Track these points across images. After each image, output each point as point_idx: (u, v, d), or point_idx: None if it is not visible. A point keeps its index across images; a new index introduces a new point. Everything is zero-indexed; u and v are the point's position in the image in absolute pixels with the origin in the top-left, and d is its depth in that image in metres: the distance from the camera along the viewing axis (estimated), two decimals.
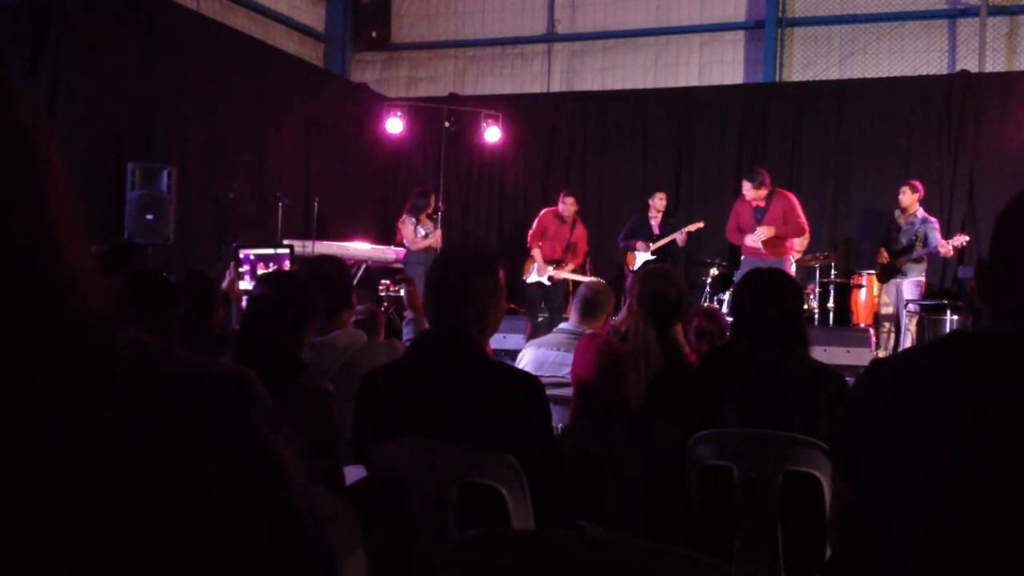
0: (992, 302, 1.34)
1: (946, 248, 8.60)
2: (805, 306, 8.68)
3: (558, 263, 9.56)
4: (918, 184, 9.04)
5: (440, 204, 10.33)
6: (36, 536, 0.74)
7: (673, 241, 9.69)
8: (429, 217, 9.52)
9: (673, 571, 1.50)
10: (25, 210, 0.80)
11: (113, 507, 0.76)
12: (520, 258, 9.99)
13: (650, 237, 9.81)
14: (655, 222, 9.88)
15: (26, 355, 0.77)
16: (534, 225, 9.79)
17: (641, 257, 9.70)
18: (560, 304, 9.52)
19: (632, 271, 9.66)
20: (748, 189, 8.56)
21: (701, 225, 9.94)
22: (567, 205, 9.58)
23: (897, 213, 9.07)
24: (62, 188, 0.84)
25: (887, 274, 9.09)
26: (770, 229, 8.35)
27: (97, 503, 0.76)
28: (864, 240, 10.32)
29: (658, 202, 9.94)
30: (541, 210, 10.06)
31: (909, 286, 8.92)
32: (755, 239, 8.44)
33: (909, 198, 8.91)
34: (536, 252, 9.59)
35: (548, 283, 9.51)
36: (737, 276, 8.70)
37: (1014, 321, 1.29)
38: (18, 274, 0.78)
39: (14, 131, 0.81)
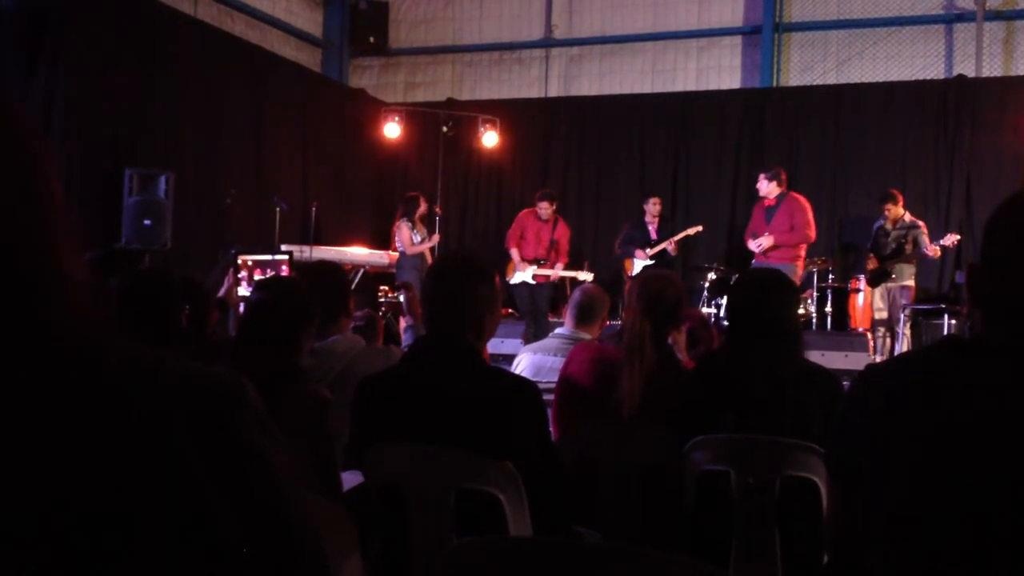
0: (984, 307, 1.34)
1: (933, 251, 8.64)
2: (801, 309, 8.78)
3: (541, 262, 9.54)
4: (898, 193, 9.07)
5: (437, 209, 10.32)
6: (33, 536, 0.74)
7: (665, 250, 9.68)
8: (423, 221, 9.50)
9: None
10: (19, 220, 0.80)
11: (108, 508, 0.76)
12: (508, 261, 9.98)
13: (647, 243, 9.79)
14: (652, 227, 9.86)
15: (16, 361, 0.77)
16: (512, 226, 9.78)
17: (639, 263, 9.70)
18: (545, 308, 9.50)
19: (630, 277, 9.68)
20: (762, 182, 8.68)
21: (700, 229, 9.95)
22: (543, 209, 9.56)
23: (883, 220, 9.09)
24: (57, 201, 0.85)
25: (877, 279, 9.11)
26: (770, 239, 8.45)
27: (93, 505, 0.76)
28: (861, 245, 10.31)
29: (652, 207, 9.91)
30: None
31: (899, 291, 8.94)
32: (755, 246, 8.52)
33: (895, 211, 8.94)
34: (513, 252, 9.58)
35: (533, 281, 9.48)
36: None
37: (1006, 326, 1.29)
38: (10, 282, 0.78)
39: (10, 146, 0.81)
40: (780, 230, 8.48)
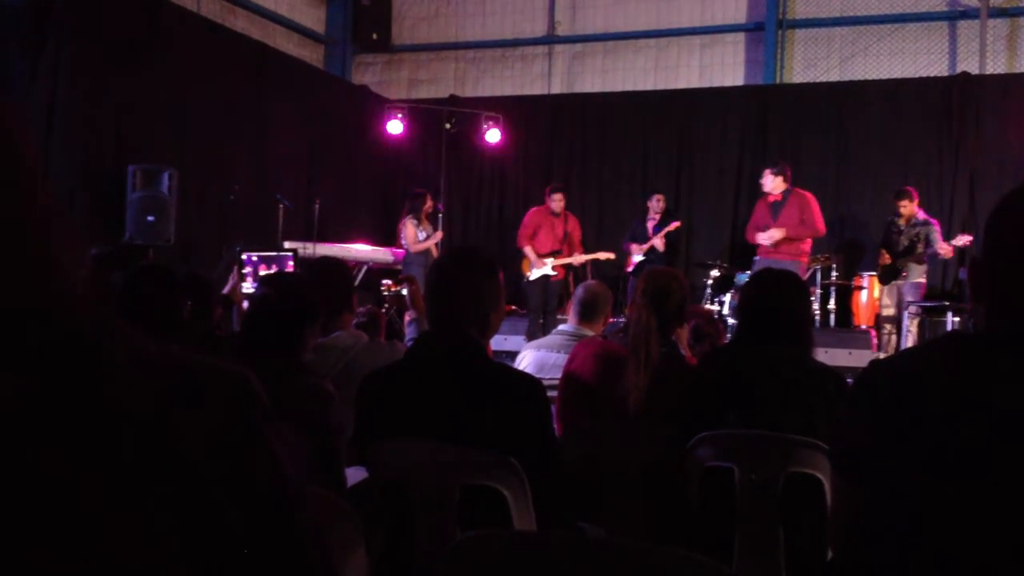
0: (987, 302, 1.34)
1: (945, 250, 8.62)
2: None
3: (557, 254, 9.53)
4: (913, 190, 9.06)
5: (439, 206, 10.32)
6: (32, 537, 0.74)
7: (654, 246, 9.67)
8: (428, 218, 9.50)
9: (674, 572, 1.50)
10: (9, 201, 0.80)
11: (109, 506, 0.76)
12: (520, 259, 9.96)
13: (645, 239, 9.82)
14: (651, 224, 9.89)
15: (16, 353, 0.77)
16: (523, 225, 9.72)
17: (635, 259, 9.79)
18: (554, 306, 9.50)
19: (628, 273, 9.75)
20: (767, 177, 8.65)
21: (678, 224, 10.00)
22: (555, 201, 9.51)
23: (896, 216, 9.08)
24: (46, 185, 0.84)
25: (888, 276, 9.10)
26: (781, 231, 8.41)
27: (93, 502, 0.76)
28: (865, 242, 10.32)
29: (656, 204, 9.96)
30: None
31: (910, 288, 8.93)
32: (766, 238, 8.47)
33: (910, 208, 8.92)
34: (527, 249, 9.53)
35: (554, 273, 9.45)
36: (747, 277, 8.73)
37: (1009, 321, 1.29)
38: (5, 275, 0.78)
39: None
40: (790, 224, 8.45)
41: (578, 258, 9.56)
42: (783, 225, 8.45)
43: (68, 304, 0.81)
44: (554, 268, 9.45)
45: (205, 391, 0.85)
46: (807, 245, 8.64)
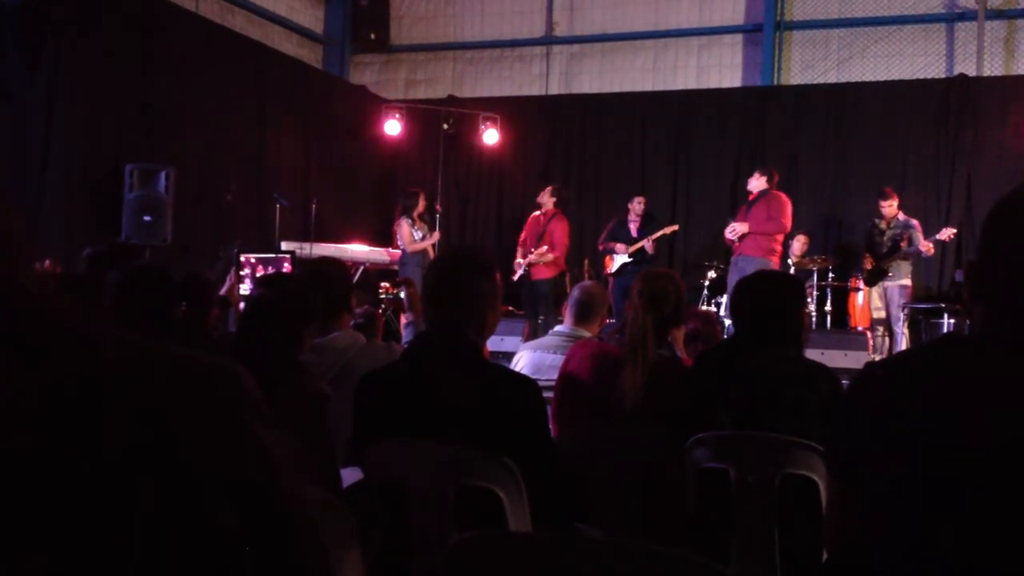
0: (983, 304, 1.34)
1: (927, 247, 8.65)
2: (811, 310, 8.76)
3: (531, 252, 9.46)
4: (893, 192, 9.08)
5: (437, 206, 10.31)
6: (27, 532, 0.74)
7: (643, 248, 9.64)
8: (422, 218, 9.44)
9: (671, 573, 1.50)
10: None
11: (102, 500, 0.76)
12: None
13: (628, 240, 9.75)
14: (634, 226, 9.82)
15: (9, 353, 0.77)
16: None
17: (619, 260, 9.69)
18: (545, 306, 9.45)
19: (610, 274, 9.70)
20: (754, 176, 8.77)
21: (675, 228, 9.99)
22: (541, 195, 9.52)
23: (878, 219, 9.11)
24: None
25: (874, 278, 9.12)
26: (744, 226, 8.50)
27: (87, 497, 0.76)
28: (862, 243, 10.32)
29: (637, 206, 9.89)
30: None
31: (897, 290, 8.95)
32: (730, 230, 8.57)
33: (892, 209, 8.95)
34: (519, 252, 9.58)
35: (525, 272, 9.43)
36: (730, 277, 8.75)
37: (1006, 323, 1.29)
38: None
39: None
40: (757, 220, 8.50)
41: (531, 257, 9.33)
42: (750, 220, 8.51)
43: (39, 301, 0.81)
44: (527, 267, 9.41)
45: (197, 386, 0.85)
46: (777, 244, 8.62)
